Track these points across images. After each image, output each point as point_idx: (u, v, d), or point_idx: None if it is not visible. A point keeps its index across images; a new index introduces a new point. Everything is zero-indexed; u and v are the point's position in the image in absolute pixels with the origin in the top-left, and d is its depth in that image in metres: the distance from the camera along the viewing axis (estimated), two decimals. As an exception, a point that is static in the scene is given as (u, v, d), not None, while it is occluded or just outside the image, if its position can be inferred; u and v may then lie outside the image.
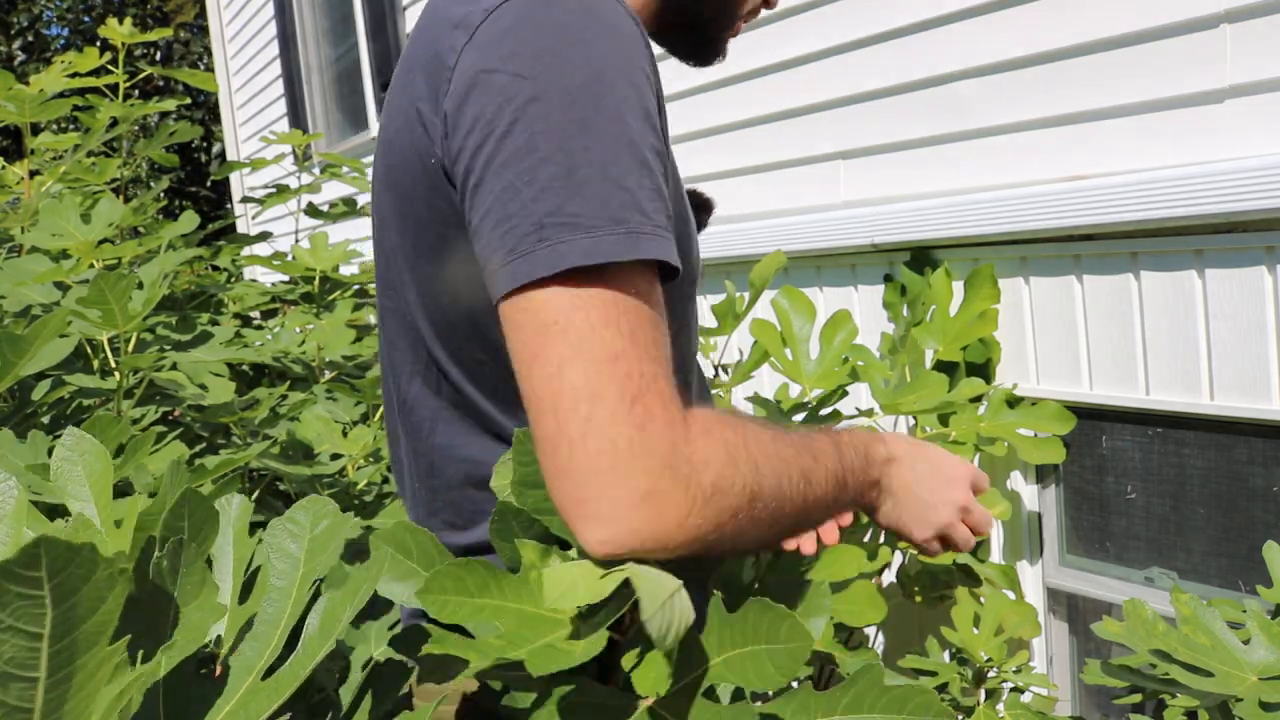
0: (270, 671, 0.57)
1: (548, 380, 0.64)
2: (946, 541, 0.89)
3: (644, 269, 0.67)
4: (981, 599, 1.96)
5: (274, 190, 2.94)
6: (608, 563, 0.64)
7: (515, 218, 0.66)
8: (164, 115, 11.13)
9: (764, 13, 1.03)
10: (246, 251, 3.99)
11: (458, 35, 0.71)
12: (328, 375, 2.28)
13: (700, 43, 0.95)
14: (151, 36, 2.36)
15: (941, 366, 2.04)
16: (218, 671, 0.61)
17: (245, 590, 0.66)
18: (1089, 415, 1.92)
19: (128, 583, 0.43)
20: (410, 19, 4.29)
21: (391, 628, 0.87)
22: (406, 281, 0.81)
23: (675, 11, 0.90)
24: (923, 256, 2.13)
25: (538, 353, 0.65)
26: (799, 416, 1.97)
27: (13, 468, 1.07)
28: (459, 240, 0.74)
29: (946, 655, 1.96)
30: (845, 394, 1.96)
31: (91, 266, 1.89)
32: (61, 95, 2.16)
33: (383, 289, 0.87)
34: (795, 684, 0.72)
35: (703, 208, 1.06)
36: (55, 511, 0.84)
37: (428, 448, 0.85)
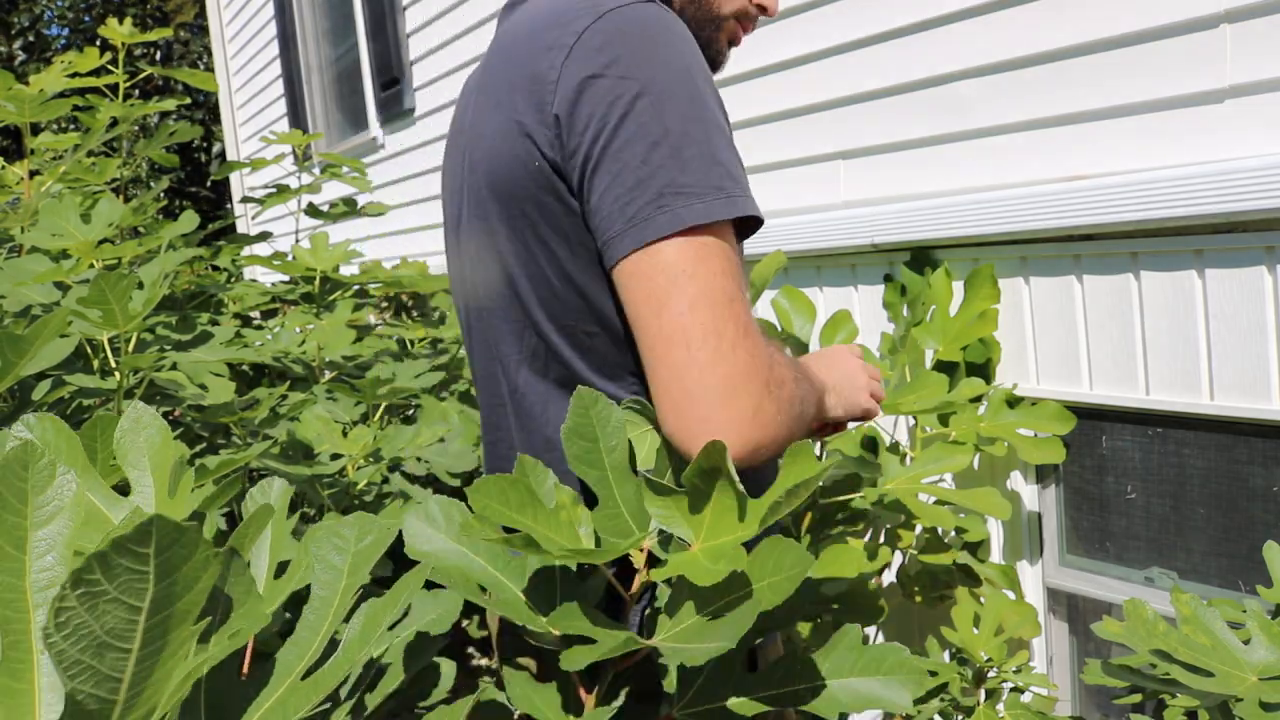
0: (310, 672, 0.59)
1: (678, 318, 0.79)
2: (876, 397, 1.06)
3: (732, 227, 0.83)
4: (981, 599, 1.96)
5: (274, 190, 2.94)
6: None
7: (634, 191, 0.80)
8: (164, 115, 11.13)
9: (763, 20, 1.09)
10: (246, 251, 4.00)
11: (554, 55, 0.85)
12: (328, 375, 2.28)
13: None
14: (151, 36, 2.36)
15: (941, 366, 2.04)
16: (245, 664, 0.63)
17: (280, 570, 0.70)
18: (1089, 415, 1.92)
19: (220, 565, 0.46)
20: (410, 19, 4.29)
21: (392, 627, 0.87)
22: (519, 277, 0.92)
23: None
24: (923, 256, 2.13)
25: (667, 297, 0.79)
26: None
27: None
28: (569, 227, 0.87)
29: (946, 655, 1.96)
30: (845, 394, 1.96)
31: (91, 266, 1.89)
32: (61, 95, 2.16)
33: (488, 294, 0.98)
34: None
35: None
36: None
37: (541, 425, 0.96)
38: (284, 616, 0.80)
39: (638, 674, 0.79)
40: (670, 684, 0.78)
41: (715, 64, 1.06)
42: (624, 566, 0.82)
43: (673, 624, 0.73)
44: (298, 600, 0.68)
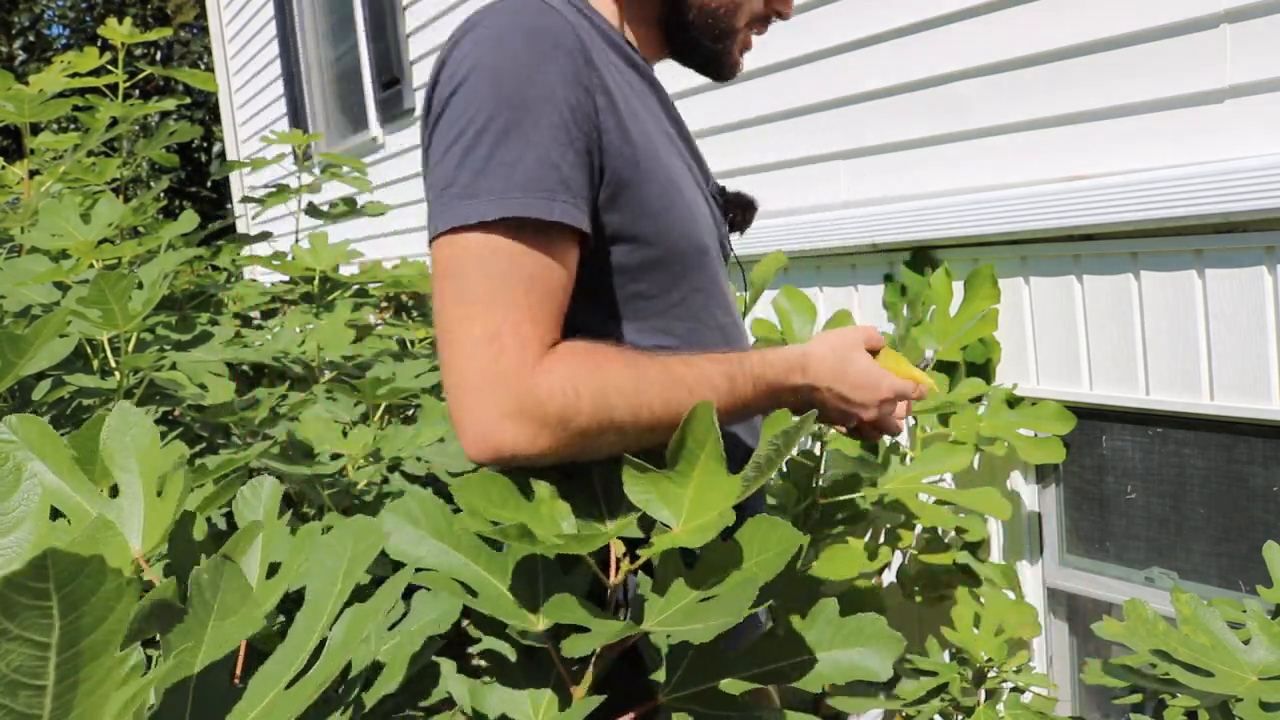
0: (298, 679, 0.58)
1: (437, 316, 0.80)
2: (880, 426, 1.03)
3: (534, 226, 0.80)
4: (981, 599, 1.96)
5: (274, 190, 2.94)
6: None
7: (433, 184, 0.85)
8: (164, 115, 11.12)
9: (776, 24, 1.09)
10: (246, 251, 3.99)
11: None
12: (328, 375, 2.28)
13: (704, 58, 1.07)
14: (151, 36, 2.36)
15: (941, 366, 2.04)
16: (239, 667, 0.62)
17: (271, 571, 0.69)
18: (1089, 415, 1.92)
19: (136, 592, 0.44)
20: (410, 19, 4.29)
21: (392, 628, 0.87)
22: None
23: (671, 30, 1.04)
24: (923, 256, 2.13)
25: (436, 292, 0.80)
26: (799, 416, 1.97)
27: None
28: None
29: (946, 655, 1.96)
30: (845, 394, 1.95)
31: (91, 266, 1.89)
32: (61, 95, 2.16)
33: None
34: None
35: (746, 207, 1.19)
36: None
37: None
38: (278, 618, 0.79)
39: (621, 665, 0.79)
40: (659, 673, 0.78)
41: (723, 70, 1.07)
42: (600, 561, 0.82)
43: (664, 605, 0.73)
44: (295, 599, 0.67)
